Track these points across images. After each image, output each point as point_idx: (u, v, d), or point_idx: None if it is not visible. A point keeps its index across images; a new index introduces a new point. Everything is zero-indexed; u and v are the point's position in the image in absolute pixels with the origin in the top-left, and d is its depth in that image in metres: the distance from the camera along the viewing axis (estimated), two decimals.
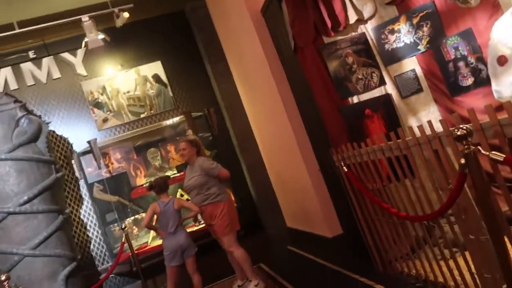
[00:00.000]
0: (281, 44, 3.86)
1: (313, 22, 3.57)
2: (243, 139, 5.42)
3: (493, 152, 1.68)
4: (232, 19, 4.73)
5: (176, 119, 5.53)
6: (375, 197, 2.79)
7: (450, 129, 1.90)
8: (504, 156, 1.62)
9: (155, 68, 5.71)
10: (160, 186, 3.83)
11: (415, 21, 3.39)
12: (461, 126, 1.74)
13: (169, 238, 3.74)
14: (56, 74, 5.43)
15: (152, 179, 5.28)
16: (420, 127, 2.27)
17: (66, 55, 5.49)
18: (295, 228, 4.88)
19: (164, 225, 3.75)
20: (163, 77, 5.72)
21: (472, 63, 3.12)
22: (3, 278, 3.18)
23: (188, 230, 4.02)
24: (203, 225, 4.90)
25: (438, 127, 2.11)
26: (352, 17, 3.57)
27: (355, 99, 3.53)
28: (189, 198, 3.89)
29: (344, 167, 3.11)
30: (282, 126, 4.19)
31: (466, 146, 1.73)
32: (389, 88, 3.54)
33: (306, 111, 3.79)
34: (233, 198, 5.46)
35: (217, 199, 3.63)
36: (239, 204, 5.44)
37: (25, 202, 4.18)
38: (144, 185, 5.25)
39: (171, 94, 5.71)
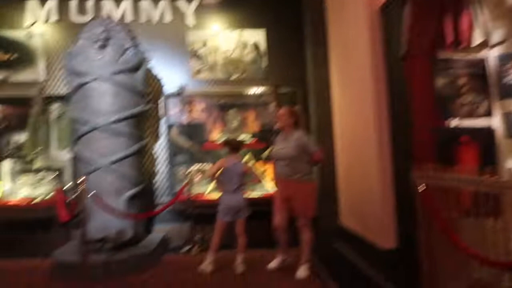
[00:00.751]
0: (391, 47, 3.76)
1: (433, 32, 3.43)
2: (321, 127, 5.43)
3: None
4: (347, 8, 4.66)
5: (262, 89, 5.66)
6: (446, 225, 2.72)
7: None
8: None
9: (258, 35, 5.83)
10: (235, 145, 4.03)
11: None
12: None
13: (228, 195, 3.94)
14: (168, 18, 5.76)
15: (225, 137, 5.55)
16: None
17: (181, 3, 5.79)
18: (348, 227, 4.87)
19: (226, 182, 3.96)
20: (262, 47, 5.83)
21: None
22: (81, 179, 3.59)
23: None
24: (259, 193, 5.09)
25: None
26: (478, 39, 3.39)
27: (452, 123, 3.40)
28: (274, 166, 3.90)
29: (420, 186, 3.04)
30: (366, 126, 4.14)
31: None
32: (495, 122, 3.35)
33: (396, 119, 3.72)
34: None
35: (307, 178, 3.65)
36: None
37: (114, 122, 4.57)
38: (217, 140, 5.52)
39: (264, 64, 5.82)
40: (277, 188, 3.90)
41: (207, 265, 3.91)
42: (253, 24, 5.85)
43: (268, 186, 5.46)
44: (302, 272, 3.70)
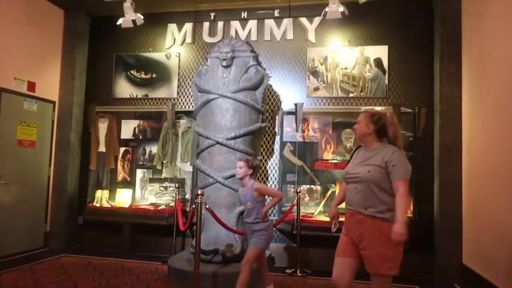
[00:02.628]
0: None
1: None
2: (447, 150, 4.85)
3: None
4: (489, 16, 4.09)
5: (383, 108, 5.32)
6: None
7: None
8: None
9: (380, 51, 5.53)
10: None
11: None
12: None
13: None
14: (290, 35, 5.86)
15: (338, 157, 5.38)
16: None
17: (304, 20, 5.83)
18: (470, 268, 4.24)
19: None
20: (385, 63, 5.50)
21: None
22: (199, 192, 3.82)
23: None
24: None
25: None
26: None
27: None
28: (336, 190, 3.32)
29: None
30: (502, 152, 3.54)
31: None
32: None
33: None
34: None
35: (388, 217, 2.42)
36: (416, 219, 5.01)
37: (232, 138, 4.80)
38: (330, 161, 5.37)
39: (386, 82, 5.48)
40: (344, 223, 2.67)
41: None
42: (376, 40, 5.58)
43: None
44: None
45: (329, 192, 5.31)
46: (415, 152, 5.14)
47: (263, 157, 5.64)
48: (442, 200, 4.81)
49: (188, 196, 5.78)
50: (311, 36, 5.78)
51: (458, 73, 4.94)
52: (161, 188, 5.93)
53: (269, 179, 5.62)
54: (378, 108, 5.32)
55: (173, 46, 6.26)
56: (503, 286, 3.38)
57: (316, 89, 5.70)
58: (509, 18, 3.57)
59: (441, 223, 4.77)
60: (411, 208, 5.07)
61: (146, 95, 6.27)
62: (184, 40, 6.22)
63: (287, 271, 4.83)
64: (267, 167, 5.65)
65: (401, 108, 5.15)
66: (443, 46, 5.04)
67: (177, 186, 5.46)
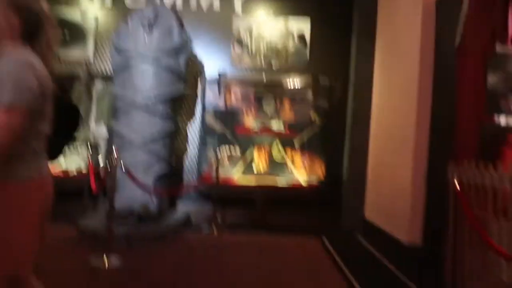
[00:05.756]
0: (444, 39, 3.50)
1: (492, 25, 3.17)
2: (357, 119, 5.22)
3: None
4: (401, 0, 4.44)
5: (302, 79, 5.54)
6: (478, 224, 2.48)
7: None
8: None
9: (303, 24, 5.71)
10: None
11: None
12: None
13: None
14: (217, 7, 5.79)
15: (259, 123, 5.51)
16: None
17: None
18: (372, 221, 4.67)
19: None
20: (307, 36, 5.70)
21: None
22: (114, 153, 3.68)
23: None
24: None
25: None
26: None
27: (502, 120, 3.11)
28: None
29: (457, 183, 2.81)
30: (404, 121, 3.91)
31: None
32: None
33: (439, 113, 3.46)
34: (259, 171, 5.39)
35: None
36: (327, 178, 5.37)
37: (151, 100, 4.65)
38: (250, 127, 5.49)
39: (308, 55, 5.69)
40: None
41: None
42: (298, 11, 5.74)
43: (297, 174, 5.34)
44: None
45: (248, 156, 5.44)
46: (330, 121, 5.47)
47: (184, 122, 5.56)
48: (351, 162, 5.20)
49: (101, 158, 5.52)
50: (238, 7, 5.77)
51: (372, 49, 5.28)
52: (74, 151, 5.58)
53: (190, 143, 5.57)
54: (297, 78, 5.53)
55: (90, 6, 5.84)
56: (400, 236, 3.76)
57: (241, 58, 5.74)
58: (416, 2, 3.89)
59: (348, 182, 5.16)
60: (323, 170, 5.40)
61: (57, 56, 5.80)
62: (103, 3, 5.84)
63: (204, 230, 4.89)
64: (188, 132, 5.59)
65: (319, 79, 5.40)
66: (360, 24, 5.35)
67: (90, 148, 5.18)
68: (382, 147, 4.70)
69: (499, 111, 3.11)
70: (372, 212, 4.80)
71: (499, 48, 3.20)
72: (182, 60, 4.95)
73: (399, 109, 4.17)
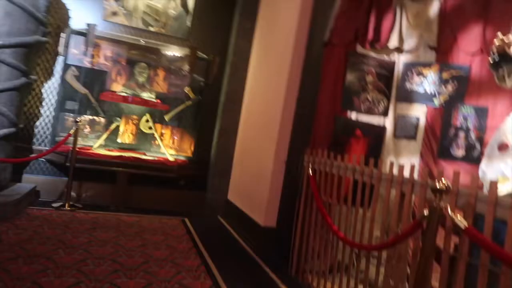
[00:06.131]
0: (317, 31, 3.71)
1: (357, 25, 3.48)
2: (231, 99, 5.28)
3: (458, 217, 1.65)
4: None
5: (181, 49, 5.31)
6: (324, 209, 2.76)
7: (432, 180, 1.85)
8: (467, 225, 1.58)
9: None
10: None
11: (444, 75, 3.34)
12: (443, 180, 1.69)
13: None
14: None
15: (128, 90, 5.11)
16: (401, 167, 2.24)
17: None
18: (233, 202, 4.85)
19: None
20: (190, 4, 5.46)
21: (471, 139, 3.12)
22: None
23: None
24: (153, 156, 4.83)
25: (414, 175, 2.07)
26: (394, 42, 3.51)
27: (353, 115, 3.48)
28: None
29: (310, 170, 3.07)
30: (273, 105, 4.08)
31: (436, 200, 1.69)
32: (388, 122, 3.50)
33: (303, 103, 3.70)
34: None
35: None
36: (195, 156, 5.34)
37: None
38: (119, 93, 5.05)
39: (188, 24, 5.46)
40: None
41: None
42: None
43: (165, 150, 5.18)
44: None
45: (113, 126, 5.02)
46: (204, 98, 5.40)
47: (39, 77, 4.83)
48: (219, 144, 5.25)
49: None
50: None
51: (252, 29, 5.35)
52: None
53: (45, 104, 4.88)
54: (175, 48, 5.29)
55: None
56: (258, 219, 3.95)
57: (115, 13, 5.19)
58: None
59: (215, 163, 5.23)
60: (192, 148, 5.35)
61: None
62: None
63: (53, 205, 4.38)
64: (44, 90, 4.88)
65: (198, 53, 5.26)
66: (244, 2, 5.35)
67: None
68: (249, 130, 4.85)
69: (352, 108, 3.47)
70: (235, 194, 4.96)
71: (359, 48, 3.54)
72: (42, 1, 4.27)
73: (269, 95, 4.33)
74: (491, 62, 2.46)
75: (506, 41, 2.29)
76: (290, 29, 3.98)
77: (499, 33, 2.34)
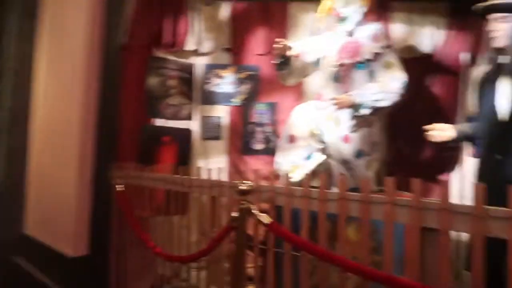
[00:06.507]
0: (112, 36, 3.41)
1: (152, 28, 3.38)
2: (17, 115, 4.41)
3: (262, 214, 1.74)
4: None
5: None
6: (138, 225, 2.58)
7: (237, 182, 1.91)
8: (271, 220, 1.69)
9: None
10: None
11: (241, 75, 3.58)
12: (247, 181, 1.77)
13: None
14: None
15: None
16: (209, 172, 2.27)
17: None
18: (33, 237, 4.08)
19: None
20: None
21: (267, 132, 3.46)
22: None
23: None
24: None
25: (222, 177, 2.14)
26: (191, 45, 3.54)
27: (158, 122, 3.39)
28: None
29: (119, 186, 2.83)
30: (70, 120, 3.56)
31: (243, 202, 1.75)
32: (194, 125, 3.55)
33: (105, 114, 3.36)
34: None
35: None
36: None
37: None
38: None
39: None
40: None
41: None
42: None
43: None
44: None
45: None
46: None
47: None
48: (8, 170, 4.35)
49: None
50: None
51: (34, 31, 4.57)
52: None
53: None
54: None
55: None
56: (65, 249, 3.40)
57: None
58: None
59: (4, 193, 4.32)
60: None
61: None
62: None
63: None
64: None
65: None
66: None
67: None
68: (44, 152, 4.14)
69: (157, 115, 3.36)
70: (34, 225, 4.19)
71: (159, 52, 3.45)
72: None
73: (64, 109, 3.78)
74: (275, 63, 2.78)
75: (282, 45, 2.60)
76: (81, 33, 3.54)
77: (277, 39, 2.63)
